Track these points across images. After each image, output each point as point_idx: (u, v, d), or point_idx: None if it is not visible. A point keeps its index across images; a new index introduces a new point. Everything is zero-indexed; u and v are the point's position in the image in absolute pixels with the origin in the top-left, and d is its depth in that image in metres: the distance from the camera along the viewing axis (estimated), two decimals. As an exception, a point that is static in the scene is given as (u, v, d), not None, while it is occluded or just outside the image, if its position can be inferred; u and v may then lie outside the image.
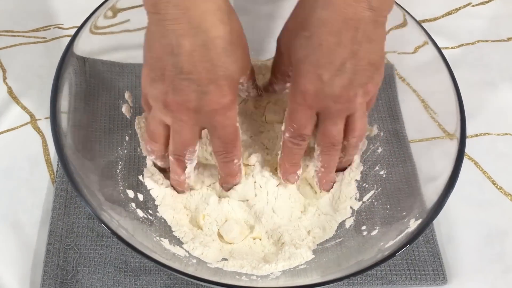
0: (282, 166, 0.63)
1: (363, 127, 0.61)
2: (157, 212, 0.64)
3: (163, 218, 0.64)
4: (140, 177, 0.66)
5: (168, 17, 0.51)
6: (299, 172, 0.64)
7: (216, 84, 0.53)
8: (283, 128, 0.60)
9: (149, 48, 0.55)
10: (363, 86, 0.56)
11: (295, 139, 0.60)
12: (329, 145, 0.60)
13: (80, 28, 0.64)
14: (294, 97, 0.57)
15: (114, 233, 0.52)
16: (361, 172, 0.68)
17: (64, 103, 0.62)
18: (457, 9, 0.91)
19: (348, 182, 0.67)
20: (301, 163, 0.64)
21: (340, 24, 0.53)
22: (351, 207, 0.65)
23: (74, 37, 0.63)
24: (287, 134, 0.60)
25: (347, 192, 0.66)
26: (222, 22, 0.52)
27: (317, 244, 0.63)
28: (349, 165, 0.67)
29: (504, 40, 0.87)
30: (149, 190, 0.65)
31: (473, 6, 0.92)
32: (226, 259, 0.60)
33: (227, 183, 0.64)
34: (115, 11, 0.69)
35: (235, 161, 0.60)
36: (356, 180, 0.67)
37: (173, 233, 0.62)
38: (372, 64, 0.55)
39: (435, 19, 0.90)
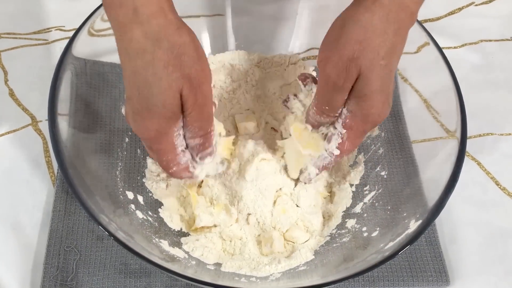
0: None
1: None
2: (157, 213, 0.64)
3: (163, 220, 0.63)
4: (143, 180, 0.66)
5: (116, 39, 0.53)
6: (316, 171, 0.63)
7: (140, 115, 0.52)
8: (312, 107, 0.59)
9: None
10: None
11: (324, 114, 0.58)
12: (363, 116, 0.57)
13: (78, 30, 0.64)
14: (362, 124, 0.57)
15: (113, 236, 0.52)
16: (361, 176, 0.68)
17: (65, 105, 0.62)
18: (460, 9, 0.90)
19: (345, 189, 0.67)
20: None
21: (402, 45, 0.54)
22: (343, 212, 0.65)
23: (72, 39, 0.63)
24: (317, 112, 0.59)
25: (341, 199, 0.66)
26: (145, 51, 0.50)
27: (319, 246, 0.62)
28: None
29: (507, 40, 0.87)
30: (149, 190, 0.65)
31: (476, 5, 0.91)
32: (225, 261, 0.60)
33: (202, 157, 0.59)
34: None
35: (208, 135, 0.57)
36: (352, 184, 0.67)
37: (173, 234, 0.62)
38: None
39: (438, 18, 0.89)
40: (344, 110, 0.56)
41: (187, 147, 0.57)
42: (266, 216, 0.62)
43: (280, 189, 0.64)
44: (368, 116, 0.55)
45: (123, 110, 0.69)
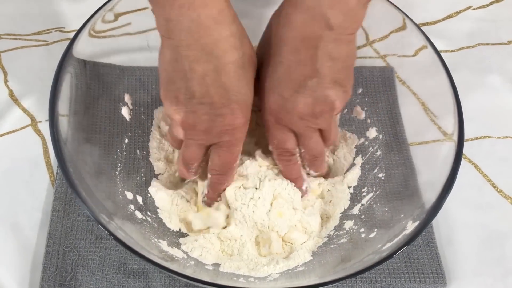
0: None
1: (335, 135, 0.65)
2: (156, 213, 0.64)
3: (162, 220, 0.64)
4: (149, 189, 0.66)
5: (181, 43, 0.52)
6: (306, 184, 0.65)
7: (228, 107, 0.55)
8: (270, 148, 0.63)
9: (163, 70, 0.56)
10: (329, 104, 0.56)
11: (283, 156, 0.62)
12: (311, 157, 0.63)
13: (79, 31, 0.64)
14: (263, 115, 0.60)
15: (112, 235, 0.52)
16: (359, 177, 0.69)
17: (65, 106, 0.62)
18: (457, 12, 0.91)
19: (343, 191, 0.67)
20: (303, 175, 0.65)
21: (298, 43, 0.54)
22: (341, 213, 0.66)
23: (73, 40, 0.63)
24: (274, 153, 0.63)
25: (339, 200, 0.67)
26: (234, 48, 0.53)
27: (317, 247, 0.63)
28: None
29: (504, 43, 0.87)
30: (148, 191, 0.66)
31: (473, 9, 0.91)
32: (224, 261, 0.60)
33: (210, 200, 0.64)
34: (116, 15, 0.70)
35: (225, 185, 0.62)
36: (350, 186, 0.68)
37: (172, 234, 0.62)
38: (336, 82, 0.56)
39: (435, 22, 0.90)
40: None
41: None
42: (264, 219, 0.62)
43: (277, 192, 0.65)
44: (269, 110, 0.59)
45: (123, 111, 0.69)
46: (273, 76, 0.57)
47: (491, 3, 0.92)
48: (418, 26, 0.68)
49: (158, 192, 0.65)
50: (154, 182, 0.66)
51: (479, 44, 0.87)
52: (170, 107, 0.57)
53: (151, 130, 0.70)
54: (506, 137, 0.76)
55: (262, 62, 0.59)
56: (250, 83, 0.56)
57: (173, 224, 0.64)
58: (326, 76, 0.54)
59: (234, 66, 0.53)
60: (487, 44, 0.87)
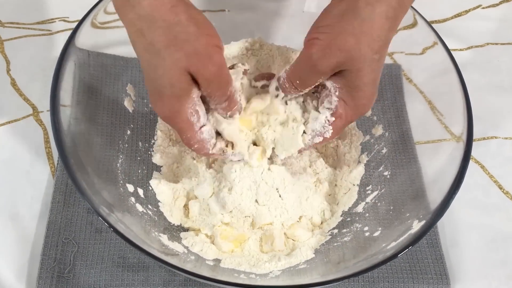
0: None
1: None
2: (157, 207, 0.63)
3: (163, 213, 0.63)
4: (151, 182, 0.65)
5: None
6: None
7: (153, 97, 0.53)
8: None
9: None
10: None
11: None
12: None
13: (81, 22, 0.63)
14: (351, 114, 0.57)
15: (112, 227, 0.51)
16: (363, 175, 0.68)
17: (67, 96, 0.61)
18: (466, 11, 0.90)
19: (346, 187, 0.67)
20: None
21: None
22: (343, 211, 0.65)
23: (75, 30, 0.62)
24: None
25: (347, 196, 0.66)
26: (141, 34, 0.50)
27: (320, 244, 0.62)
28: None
29: (514, 43, 0.86)
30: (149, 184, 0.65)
31: (483, 8, 0.90)
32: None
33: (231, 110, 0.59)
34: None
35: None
36: (354, 184, 0.67)
37: (172, 228, 0.62)
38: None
39: (444, 20, 0.89)
40: (335, 98, 0.56)
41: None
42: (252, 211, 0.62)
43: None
44: (359, 106, 0.56)
45: (125, 102, 0.68)
46: (377, 82, 0.55)
47: (501, 3, 0.91)
48: (429, 23, 0.67)
49: (160, 185, 0.64)
50: (156, 174, 0.65)
51: (488, 44, 0.86)
52: (154, 104, 0.54)
53: (158, 122, 0.70)
54: (514, 138, 0.76)
55: (354, 66, 0.53)
56: (168, 73, 0.51)
57: (174, 218, 0.63)
58: None
59: (147, 54, 0.50)
60: (496, 43, 0.86)
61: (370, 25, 0.51)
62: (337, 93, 0.55)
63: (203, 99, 0.56)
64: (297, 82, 0.56)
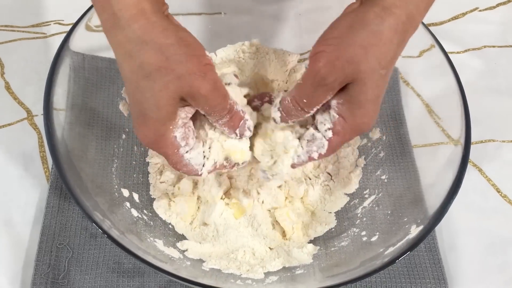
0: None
1: None
2: (152, 211, 0.63)
3: (159, 218, 0.62)
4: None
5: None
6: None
7: (136, 121, 0.52)
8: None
9: None
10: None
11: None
12: None
13: (75, 25, 0.62)
14: (350, 131, 0.54)
15: (106, 233, 0.51)
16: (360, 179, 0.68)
17: (62, 100, 0.61)
18: (464, 14, 0.90)
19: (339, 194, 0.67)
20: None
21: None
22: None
23: (69, 34, 0.62)
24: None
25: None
26: (128, 56, 0.49)
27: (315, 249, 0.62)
28: None
29: (511, 46, 0.86)
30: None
31: (480, 11, 0.90)
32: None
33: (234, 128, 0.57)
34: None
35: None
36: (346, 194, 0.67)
37: (168, 234, 0.61)
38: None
39: (441, 23, 0.88)
40: (334, 114, 0.53)
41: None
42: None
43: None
44: (359, 124, 0.53)
45: (120, 106, 0.68)
46: (380, 99, 0.53)
47: (498, 5, 0.91)
48: (426, 26, 0.67)
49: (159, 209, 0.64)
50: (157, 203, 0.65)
51: (485, 46, 0.86)
52: (137, 129, 0.53)
53: None
54: (511, 141, 0.75)
55: (359, 79, 0.51)
56: (156, 96, 0.49)
57: (172, 220, 0.63)
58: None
59: (134, 76, 0.49)
60: (493, 46, 0.86)
61: (379, 37, 0.49)
62: (337, 109, 0.53)
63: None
64: (304, 101, 0.53)
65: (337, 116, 0.53)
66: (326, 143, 0.54)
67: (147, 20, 0.48)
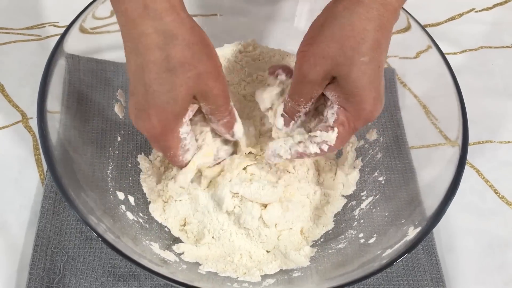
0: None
1: None
2: (148, 214, 0.62)
3: (154, 221, 0.62)
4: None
5: (122, 35, 0.52)
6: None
7: (146, 112, 0.52)
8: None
9: None
10: None
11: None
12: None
13: (69, 27, 0.62)
14: (354, 120, 0.56)
15: (101, 237, 0.50)
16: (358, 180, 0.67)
17: (57, 102, 0.60)
18: (460, 15, 0.90)
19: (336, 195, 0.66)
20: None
21: (386, 41, 0.54)
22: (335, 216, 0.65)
23: (63, 36, 0.61)
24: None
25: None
26: (157, 47, 0.50)
27: (314, 252, 0.61)
28: None
29: (507, 47, 0.86)
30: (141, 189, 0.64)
31: (476, 11, 0.90)
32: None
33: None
34: (112, 11, 0.68)
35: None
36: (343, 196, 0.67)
37: (164, 237, 0.61)
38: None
39: (438, 24, 0.88)
40: (336, 106, 0.55)
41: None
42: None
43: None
44: (360, 111, 0.55)
45: (116, 108, 0.67)
46: (376, 84, 0.54)
47: (494, 6, 0.91)
48: (422, 27, 0.67)
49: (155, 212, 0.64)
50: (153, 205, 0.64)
51: (482, 47, 0.85)
52: (143, 120, 0.54)
53: None
54: (509, 142, 0.75)
55: (342, 71, 0.53)
56: (176, 90, 0.51)
57: (169, 223, 0.63)
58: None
59: (156, 67, 0.50)
60: (490, 47, 0.86)
61: (350, 28, 0.51)
62: (337, 102, 0.55)
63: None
64: (296, 98, 0.57)
65: (338, 107, 0.55)
66: (334, 135, 0.56)
67: (178, 15, 0.51)
